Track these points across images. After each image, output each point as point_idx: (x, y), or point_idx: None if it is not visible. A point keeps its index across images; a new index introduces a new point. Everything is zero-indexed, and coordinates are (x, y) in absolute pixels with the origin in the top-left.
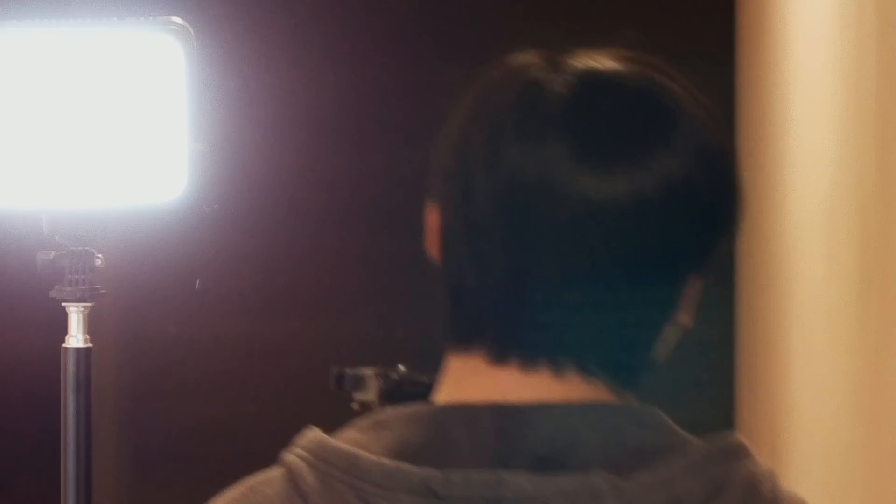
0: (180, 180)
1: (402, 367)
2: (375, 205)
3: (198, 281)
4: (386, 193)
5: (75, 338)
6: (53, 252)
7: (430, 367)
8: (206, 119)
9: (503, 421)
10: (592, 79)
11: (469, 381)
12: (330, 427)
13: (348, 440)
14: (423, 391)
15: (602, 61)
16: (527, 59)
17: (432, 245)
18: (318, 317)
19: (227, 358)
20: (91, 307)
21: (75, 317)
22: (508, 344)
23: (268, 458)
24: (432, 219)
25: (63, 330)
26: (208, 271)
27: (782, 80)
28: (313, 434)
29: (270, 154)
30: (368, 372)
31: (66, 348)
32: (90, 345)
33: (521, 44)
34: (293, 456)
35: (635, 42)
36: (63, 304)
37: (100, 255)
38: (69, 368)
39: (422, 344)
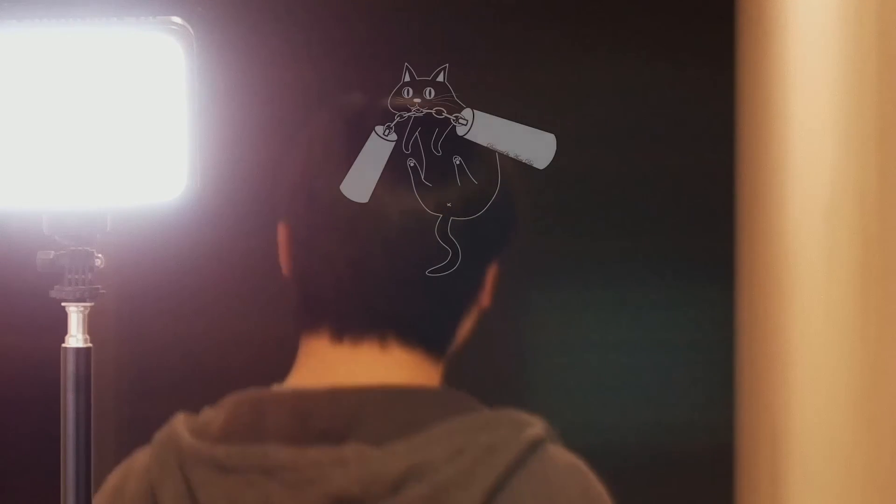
0: (180, 180)
1: None
2: None
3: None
4: None
5: (75, 338)
6: (53, 252)
7: None
8: (206, 119)
9: (300, 404)
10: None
11: (313, 359)
12: None
13: (204, 417)
14: None
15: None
16: (353, 100)
17: (283, 256)
18: None
19: (227, 358)
20: (91, 307)
21: (75, 317)
22: (345, 323)
23: None
24: (282, 234)
25: (63, 330)
26: (208, 271)
27: (782, 80)
28: (173, 419)
29: (271, 154)
30: None
31: (66, 348)
32: (90, 345)
33: (520, 44)
34: (157, 435)
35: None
36: (63, 304)
37: (100, 255)
38: (69, 368)
39: None
